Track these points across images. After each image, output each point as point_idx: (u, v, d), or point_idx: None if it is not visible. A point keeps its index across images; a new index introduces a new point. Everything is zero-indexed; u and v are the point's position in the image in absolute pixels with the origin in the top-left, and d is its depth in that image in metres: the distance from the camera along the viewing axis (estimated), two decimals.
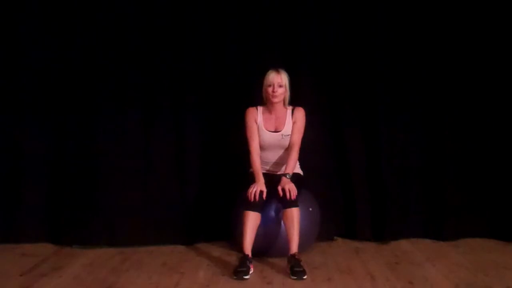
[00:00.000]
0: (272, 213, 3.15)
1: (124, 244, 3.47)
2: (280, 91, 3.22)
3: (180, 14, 3.52)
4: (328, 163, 3.63)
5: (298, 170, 3.34)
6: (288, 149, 3.26)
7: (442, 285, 2.76)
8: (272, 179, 3.19)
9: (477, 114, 3.58)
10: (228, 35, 3.58)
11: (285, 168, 3.20)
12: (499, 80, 3.55)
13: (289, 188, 3.03)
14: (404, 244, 3.51)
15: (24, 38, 3.52)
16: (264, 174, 3.23)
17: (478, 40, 3.53)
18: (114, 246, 3.46)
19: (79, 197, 3.52)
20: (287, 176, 3.15)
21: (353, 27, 3.58)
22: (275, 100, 3.23)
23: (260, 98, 3.33)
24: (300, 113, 3.29)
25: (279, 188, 3.06)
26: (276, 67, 3.26)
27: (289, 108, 3.31)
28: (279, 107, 3.29)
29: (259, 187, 3.07)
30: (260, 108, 3.33)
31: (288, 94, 3.27)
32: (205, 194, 3.57)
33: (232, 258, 3.19)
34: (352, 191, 3.64)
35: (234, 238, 3.35)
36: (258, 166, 3.21)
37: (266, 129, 3.28)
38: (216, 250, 3.40)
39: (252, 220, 3.02)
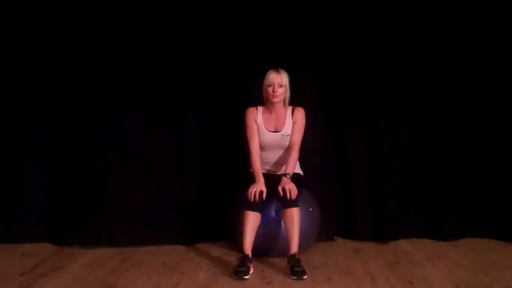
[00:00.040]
0: (272, 213, 3.15)
1: (124, 244, 3.47)
2: (280, 91, 3.22)
3: (180, 14, 3.52)
4: (328, 163, 3.63)
5: (298, 170, 3.34)
6: (288, 149, 3.26)
7: (442, 285, 2.76)
8: (272, 179, 3.19)
9: (477, 114, 3.58)
10: (228, 35, 3.58)
11: (285, 168, 3.20)
12: (499, 80, 3.55)
13: (290, 188, 3.03)
14: (404, 244, 3.51)
15: (24, 38, 3.52)
16: (264, 174, 3.23)
17: (478, 40, 3.53)
18: (114, 246, 3.46)
19: (79, 197, 3.52)
20: (288, 176, 3.15)
21: (353, 27, 3.58)
22: (275, 100, 3.23)
23: (260, 98, 3.33)
24: (300, 113, 3.29)
25: (280, 188, 3.06)
26: (276, 67, 3.26)
27: (289, 108, 3.31)
28: (279, 107, 3.29)
29: (259, 187, 3.07)
30: (260, 108, 3.33)
31: (288, 94, 3.27)
32: (205, 194, 3.57)
33: (232, 258, 3.19)
34: (352, 191, 3.64)
35: (234, 238, 3.35)
36: (258, 166, 3.21)
37: (266, 129, 3.28)
38: (216, 250, 3.40)
39: (252, 220, 3.02)
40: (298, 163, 3.32)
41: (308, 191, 3.32)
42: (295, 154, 3.23)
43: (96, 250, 3.42)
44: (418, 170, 3.62)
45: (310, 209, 3.26)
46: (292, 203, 3.02)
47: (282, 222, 3.08)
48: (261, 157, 3.28)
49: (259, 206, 3.05)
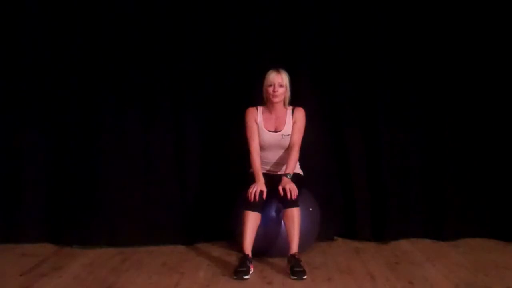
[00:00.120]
0: (272, 213, 3.15)
1: (124, 244, 3.47)
2: (280, 91, 3.22)
3: (180, 14, 3.52)
4: (328, 163, 3.63)
5: (298, 170, 3.34)
6: (288, 149, 3.26)
7: (442, 285, 2.76)
8: (272, 179, 3.19)
9: (477, 114, 3.58)
10: (228, 35, 3.58)
11: (286, 168, 3.20)
12: (499, 80, 3.55)
13: (290, 188, 3.03)
14: (404, 244, 3.51)
15: (24, 38, 3.52)
16: (264, 174, 3.23)
17: (478, 40, 3.53)
18: (114, 246, 3.46)
19: (79, 197, 3.52)
20: (288, 176, 3.15)
21: (353, 27, 3.58)
22: (276, 100, 3.23)
23: (260, 98, 3.33)
24: (300, 113, 3.29)
25: (280, 188, 3.06)
26: (277, 67, 3.26)
27: (289, 108, 3.31)
28: (279, 107, 3.29)
29: (259, 187, 3.07)
30: (260, 108, 3.33)
31: (288, 94, 3.27)
32: (205, 194, 3.57)
33: (232, 258, 3.19)
34: (352, 191, 3.64)
35: (234, 238, 3.35)
36: (258, 166, 3.21)
37: (266, 129, 3.28)
38: (216, 250, 3.40)
39: (252, 220, 3.02)
40: (298, 163, 3.32)
41: (308, 191, 3.32)
42: (295, 154, 3.23)
43: (96, 250, 3.42)
44: (418, 170, 3.62)
45: (310, 209, 3.26)
46: (293, 203, 3.02)
47: (282, 222, 3.09)
48: (261, 157, 3.28)
49: (259, 206, 3.05)
